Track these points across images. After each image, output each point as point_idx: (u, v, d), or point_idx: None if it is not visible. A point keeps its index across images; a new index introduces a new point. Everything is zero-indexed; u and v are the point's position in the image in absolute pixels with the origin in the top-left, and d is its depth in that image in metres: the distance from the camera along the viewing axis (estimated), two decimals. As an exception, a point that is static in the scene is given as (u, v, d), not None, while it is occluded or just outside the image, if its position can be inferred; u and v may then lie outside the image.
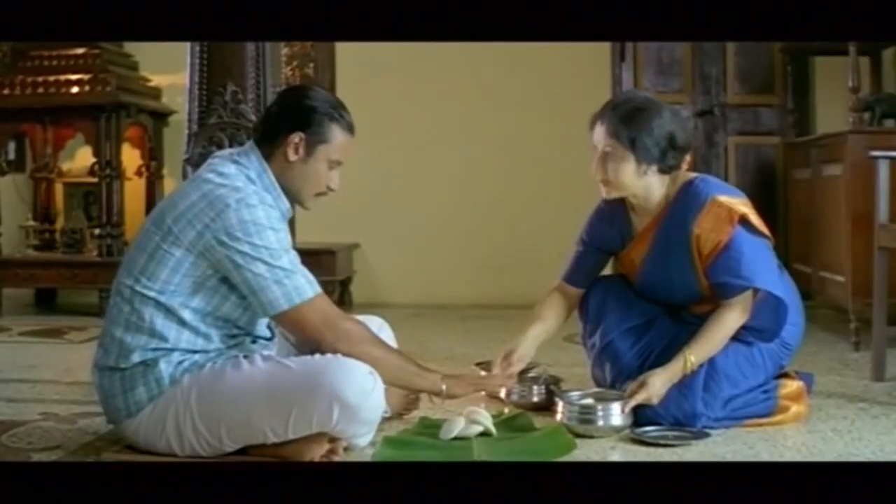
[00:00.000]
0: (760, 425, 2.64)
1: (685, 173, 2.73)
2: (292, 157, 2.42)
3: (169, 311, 2.33)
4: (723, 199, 2.63)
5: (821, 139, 4.46)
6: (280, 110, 2.49)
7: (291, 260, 2.33)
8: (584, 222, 2.92)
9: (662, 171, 2.65)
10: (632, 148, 2.60)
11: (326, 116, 2.42)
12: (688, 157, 2.73)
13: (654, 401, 2.57)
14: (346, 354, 2.31)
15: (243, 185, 2.35)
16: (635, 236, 2.78)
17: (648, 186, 2.66)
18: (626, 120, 2.61)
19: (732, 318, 2.61)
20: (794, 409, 2.70)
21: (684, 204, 2.65)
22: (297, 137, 2.41)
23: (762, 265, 2.62)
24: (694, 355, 2.59)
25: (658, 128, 2.60)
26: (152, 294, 2.32)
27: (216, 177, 2.37)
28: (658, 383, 2.58)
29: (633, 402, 2.56)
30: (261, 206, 2.32)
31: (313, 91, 2.52)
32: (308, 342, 2.36)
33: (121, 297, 2.37)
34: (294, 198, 2.48)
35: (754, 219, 2.63)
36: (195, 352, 2.36)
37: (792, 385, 2.74)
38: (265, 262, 2.28)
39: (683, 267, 2.67)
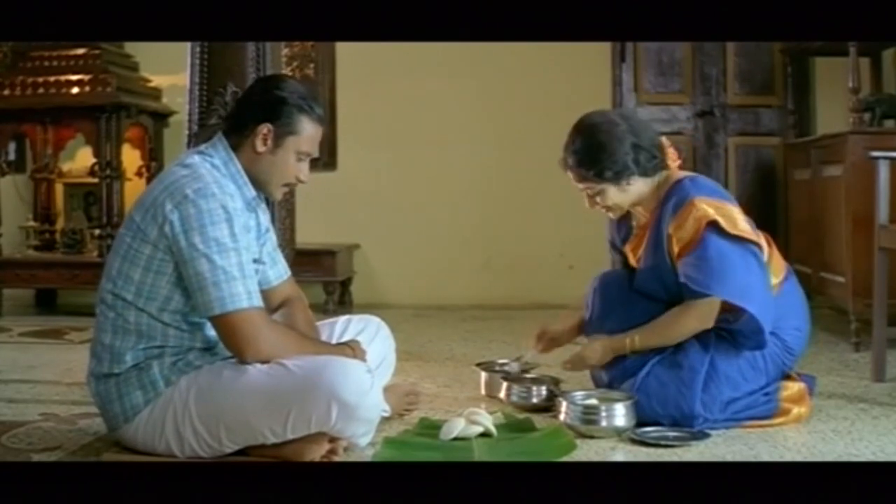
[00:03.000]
0: (761, 426, 2.64)
1: (679, 172, 2.77)
2: (260, 147, 2.40)
3: (150, 316, 2.33)
4: (700, 201, 2.61)
5: (821, 140, 4.46)
6: (249, 101, 2.48)
7: (240, 262, 2.28)
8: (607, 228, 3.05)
9: (643, 174, 2.71)
10: (602, 179, 2.69)
11: (296, 108, 2.40)
12: (670, 150, 2.77)
13: (591, 362, 2.78)
14: (265, 361, 2.28)
15: (206, 174, 2.33)
16: (635, 234, 2.84)
17: (638, 192, 2.74)
18: (584, 162, 2.69)
19: (688, 319, 2.63)
20: (796, 411, 2.70)
21: (668, 203, 2.69)
22: (265, 129, 2.39)
23: (728, 273, 2.56)
24: (639, 337, 2.68)
25: (617, 148, 2.66)
26: (130, 298, 2.33)
27: (180, 168, 2.37)
28: (598, 347, 2.76)
29: (569, 363, 2.81)
30: (220, 196, 2.29)
31: (283, 82, 2.49)
32: (229, 350, 2.33)
33: (105, 304, 2.38)
34: (262, 188, 2.47)
35: (725, 222, 2.58)
36: (186, 349, 2.37)
37: (793, 387, 2.73)
38: (209, 260, 2.25)
39: (666, 266, 2.69)
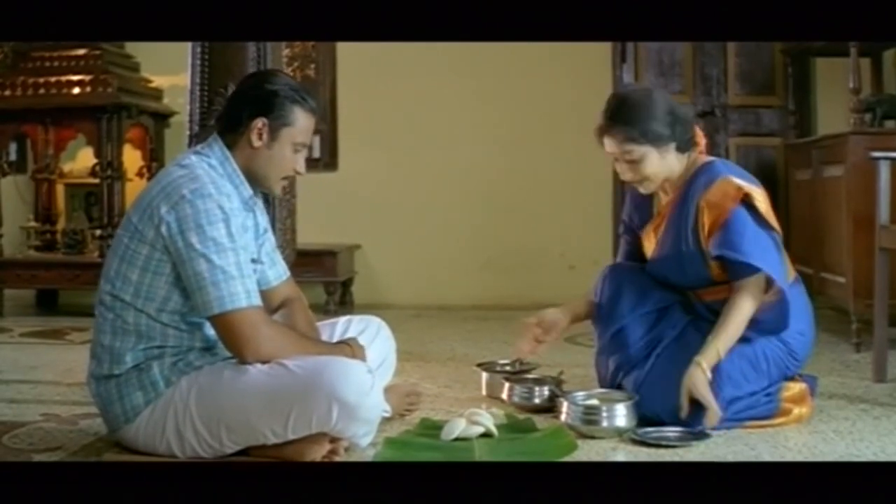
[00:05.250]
0: (762, 427, 2.64)
1: (706, 157, 2.79)
2: (256, 142, 2.41)
3: (149, 316, 2.34)
4: (735, 179, 2.66)
5: (822, 140, 4.45)
6: (241, 97, 2.48)
7: (238, 262, 2.29)
8: (623, 208, 3.02)
9: (679, 147, 2.72)
10: (647, 141, 2.68)
11: (288, 99, 2.41)
12: (699, 131, 2.80)
13: (702, 385, 2.54)
14: (266, 361, 2.28)
15: (202, 174, 2.33)
16: (657, 214, 2.84)
17: (671, 166, 2.74)
18: (631, 121, 2.68)
19: (746, 302, 2.61)
20: (797, 411, 2.70)
21: (698, 180, 2.70)
22: (260, 123, 2.40)
23: (763, 248, 2.61)
24: (720, 342, 2.59)
25: (658, 109, 2.69)
26: (129, 299, 2.33)
27: (177, 169, 2.37)
28: (699, 373, 2.56)
29: (713, 407, 2.53)
30: (216, 196, 2.30)
31: (273, 76, 2.51)
32: (229, 350, 2.33)
33: (104, 305, 2.38)
34: (261, 183, 2.47)
35: (760, 204, 2.64)
36: (186, 349, 2.37)
37: (795, 387, 2.73)
38: (208, 260, 2.25)
39: (690, 242, 2.69)
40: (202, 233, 2.26)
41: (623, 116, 2.69)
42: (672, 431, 2.56)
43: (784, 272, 2.67)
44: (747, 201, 2.63)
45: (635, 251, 2.95)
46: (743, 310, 2.61)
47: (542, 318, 2.93)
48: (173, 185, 2.32)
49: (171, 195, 2.30)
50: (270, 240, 2.61)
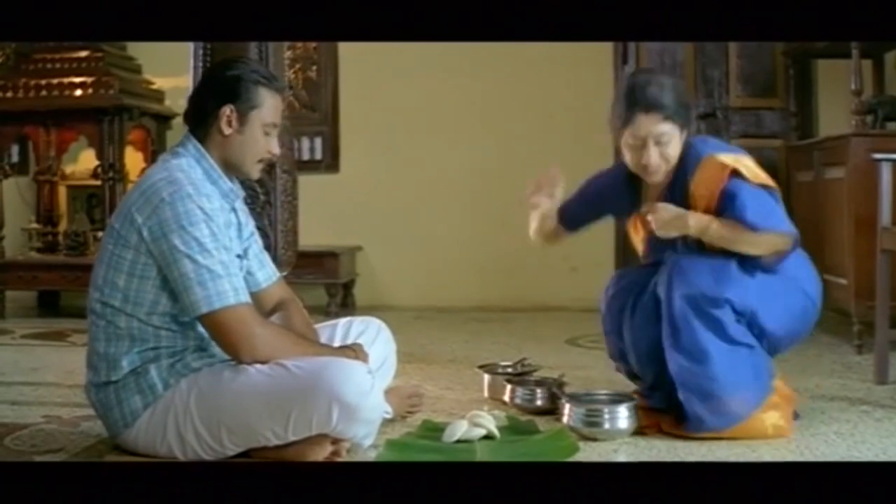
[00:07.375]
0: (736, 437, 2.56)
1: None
2: (227, 130, 2.40)
3: (140, 320, 2.34)
4: (718, 155, 2.64)
5: (823, 142, 4.45)
6: (205, 89, 2.48)
7: (223, 261, 2.29)
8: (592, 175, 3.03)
9: (685, 135, 2.70)
10: (680, 122, 2.64)
11: (252, 82, 2.41)
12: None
13: (665, 216, 2.60)
14: (264, 361, 2.28)
15: (181, 176, 2.33)
16: (647, 200, 2.78)
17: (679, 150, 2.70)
18: (670, 103, 2.62)
19: (767, 236, 2.58)
20: (772, 420, 2.60)
21: (686, 164, 2.67)
22: (227, 110, 2.39)
23: (765, 209, 2.59)
24: (717, 224, 2.56)
25: (684, 93, 2.70)
26: (118, 304, 2.33)
27: (156, 172, 2.37)
28: (674, 209, 2.61)
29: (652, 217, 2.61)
30: (196, 197, 2.29)
31: (234, 61, 2.51)
32: (224, 350, 2.32)
33: (95, 314, 2.38)
34: (238, 170, 2.46)
35: (747, 171, 2.61)
36: (181, 349, 2.37)
37: (785, 388, 2.68)
38: (193, 260, 2.25)
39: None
40: (184, 234, 2.26)
41: (662, 98, 2.62)
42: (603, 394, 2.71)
43: (785, 219, 2.67)
44: (735, 174, 2.60)
45: (584, 213, 3.04)
46: (753, 237, 2.56)
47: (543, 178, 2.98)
48: (152, 189, 2.32)
49: (150, 199, 2.30)
50: (257, 241, 2.61)
